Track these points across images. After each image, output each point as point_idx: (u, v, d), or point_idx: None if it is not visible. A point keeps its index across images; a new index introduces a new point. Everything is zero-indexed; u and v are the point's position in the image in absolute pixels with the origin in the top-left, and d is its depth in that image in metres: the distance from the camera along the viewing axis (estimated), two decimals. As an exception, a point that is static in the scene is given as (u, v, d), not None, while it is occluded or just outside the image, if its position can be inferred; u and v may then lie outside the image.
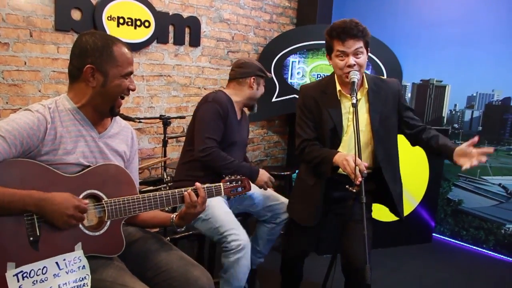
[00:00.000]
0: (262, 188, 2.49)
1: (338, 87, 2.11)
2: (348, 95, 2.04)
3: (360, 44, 1.98)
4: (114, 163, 1.65)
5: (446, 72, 4.08)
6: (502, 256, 3.85)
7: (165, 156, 3.35)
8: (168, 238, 2.54)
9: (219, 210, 2.26)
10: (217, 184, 1.83)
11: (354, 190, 1.77)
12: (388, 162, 2.16)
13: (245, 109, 2.71)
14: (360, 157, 1.75)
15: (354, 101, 1.83)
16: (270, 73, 3.57)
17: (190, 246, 3.02)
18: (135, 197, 1.62)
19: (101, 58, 1.53)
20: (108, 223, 1.57)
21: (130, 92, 1.64)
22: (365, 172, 1.73)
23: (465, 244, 4.07)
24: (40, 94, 3.15)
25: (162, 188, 2.81)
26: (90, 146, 1.61)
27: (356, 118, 1.78)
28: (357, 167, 1.74)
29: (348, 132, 2.11)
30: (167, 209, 1.88)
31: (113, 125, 1.72)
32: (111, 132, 1.70)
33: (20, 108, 3.00)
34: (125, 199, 1.60)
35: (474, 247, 4.01)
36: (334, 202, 2.23)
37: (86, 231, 1.52)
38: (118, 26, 3.39)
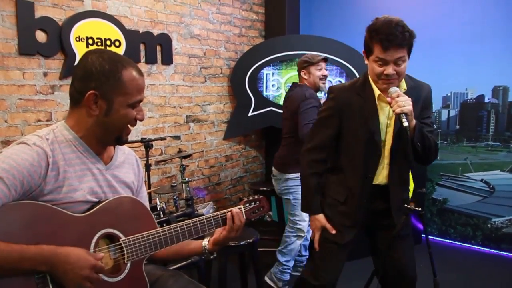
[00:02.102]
0: None
1: (377, 91, 1.91)
2: (388, 99, 1.87)
3: (403, 52, 1.77)
4: (128, 196, 1.46)
5: (419, 74, 4.10)
6: (490, 250, 3.91)
7: (149, 181, 3.14)
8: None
9: None
10: (237, 207, 1.67)
11: (411, 207, 1.72)
12: (401, 179, 2.03)
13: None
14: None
15: (406, 124, 1.70)
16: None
17: (189, 274, 2.82)
18: (154, 232, 1.44)
19: (107, 84, 1.33)
20: (129, 265, 1.38)
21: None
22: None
23: (453, 242, 4.11)
24: (6, 125, 2.85)
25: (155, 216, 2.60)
26: (99, 180, 1.41)
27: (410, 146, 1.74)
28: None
29: (387, 140, 1.96)
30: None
31: (117, 153, 1.53)
32: (117, 161, 1.51)
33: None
34: (145, 235, 1.42)
35: (463, 244, 4.06)
36: (374, 215, 2.07)
37: (106, 278, 1.32)
38: (87, 46, 3.16)
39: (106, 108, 1.35)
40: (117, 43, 3.36)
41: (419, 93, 1.95)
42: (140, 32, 3.56)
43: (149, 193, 3.13)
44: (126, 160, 1.57)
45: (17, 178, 1.21)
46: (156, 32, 3.68)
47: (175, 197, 3.08)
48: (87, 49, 3.11)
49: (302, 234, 3.00)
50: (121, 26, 3.37)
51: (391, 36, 1.73)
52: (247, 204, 1.71)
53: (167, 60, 3.80)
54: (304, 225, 3.02)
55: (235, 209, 1.60)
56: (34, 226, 1.22)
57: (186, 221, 1.52)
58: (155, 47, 3.69)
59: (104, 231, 1.35)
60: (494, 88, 3.82)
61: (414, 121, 1.77)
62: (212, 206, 2.83)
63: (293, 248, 3.01)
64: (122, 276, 1.36)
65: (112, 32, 3.32)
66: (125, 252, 1.37)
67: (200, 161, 4.29)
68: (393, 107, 1.75)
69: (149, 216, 1.49)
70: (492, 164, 3.89)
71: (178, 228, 1.48)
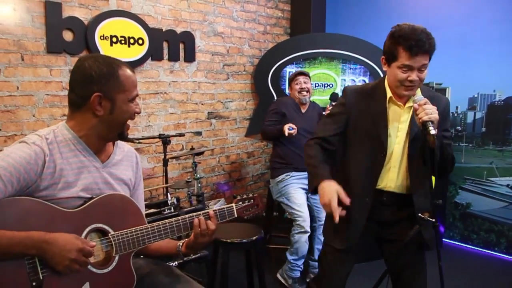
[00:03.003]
0: (290, 134, 3.15)
1: (389, 94, 1.92)
2: (399, 103, 1.89)
3: (427, 59, 1.78)
4: (119, 193, 1.55)
5: (446, 75, 4.02)
6: (514, 258, 3.77)
7: (166, 176, 3.25)
8: (176, 263, 2.44)
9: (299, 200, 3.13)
10: (229, 205, 1.73)
11: (425, 217, 1.71)
12: (422, 186, 1.97)
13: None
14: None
15: (433, 132, 1.68)
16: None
17: (198, 268, 2.92)
18: (143, 228, 1.52)
19: (108, 85, 1.43)
20: (117, 258, 1.47)
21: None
22: (337, 220, 1.79)
23: (476, 248, 3.99)
24: (34, 119, 3.04)
25: (166, 210, 2.71)
26: (95, 177, 1.50)
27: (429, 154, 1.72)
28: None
29: (397, 145, 1.95)
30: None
31: (116, 152, 1.62)
32: (115, 159, 1.60)
33: (14, 135, 2.93)
34: (133, 230, 1.50)
35: (486, 251, 3.93)
36: (382, 225, 2.05)
37: (93, 269, 1.42)
38: (111, 45, 3.31)
39: (111, 106, 1.45)
40: (140, 41, 3.48)
41: (435, 104, 1.89)
42: (164, 30, 3.66)
43: (166, 188, 3.25)
44: (125, 157, 1.65)
45: (13, 175, 1.31)
46: (179, 30, 3.78)
47: (189, 192, 3.19)
48: (111, 47, 3.28)
49: (303, 230, 3.03)
50: (145, 25, 3.49)
51: (420, 42, 1.73)
52: (240, 202, 1.76)
53: (190, 57, 3.90)
54: (301, 220, 3.06)
55: (211, 211, 1.63)
56: (27, 221, 1.32)
57: (174, 218, 1.59)
58: (178, 44, 3.79)
59: (93, 226, 1.44)
60: (524, 90, 3.67)
61: (436, 131, 1.74)
62: (223, 202, 2.90)
63: (299, 246, 3.04)
64: (110, 268, 1.45)
65: (135, 30, 3.44)
66: (113, 245, 1.46)
67: (221, 157, 4.37)
68: (420, 114, 1.72)
69: (139, 213, 1.57)
70: (519, 170, 3.74)
71: (161, 226, 1.55)
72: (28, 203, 1.34)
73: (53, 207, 1.38)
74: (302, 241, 3.04)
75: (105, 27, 3.27)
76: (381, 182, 1.99)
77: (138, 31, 3.46)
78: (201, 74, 4.05)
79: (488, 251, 3.92)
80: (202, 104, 4.10)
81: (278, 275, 3.25)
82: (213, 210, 1.65)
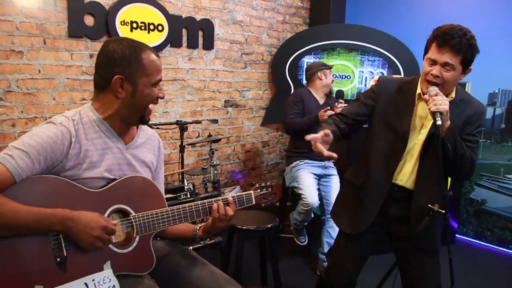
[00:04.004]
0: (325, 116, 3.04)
1: (419, 90, 1.94)
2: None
3: (455, 60, 1.76)
4: (141, 175, 1.57)
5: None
6: (529, 257, 3.74)
7: (182, 162, 3.29)
8: (191, 247, 2.47)
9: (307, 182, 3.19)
10: (247, 192, 1.75)
11: (434, 208, 1.72)
12: (428, 185, 1.96)
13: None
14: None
15: (439, 122, 1.69)
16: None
17: (212, 254, 2.95)
18: (163, 211, 1.55)
19: (130, 68, 1.45)
20: (137, 239, 1.50)
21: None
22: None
23: (489, 245, 3.96)
24: (54, 102, 3.09)
25: (182, 195, 2.74)
26: (118, 158, 1.53)
27: (440, 145, 1.71)
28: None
29: (417, 141, 1.96)
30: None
31: (139, 134, 1.64)
32: (138, 142, 1.63)
33: (35, 117, 2.98)
34: (153, 213, 1.53)
35: (500, 248, 3.90)
36: (389, 220, 2.06)
37: (115, 249, 1.45)
38: (131, 31, 3.33)
39: (132, 89, 1.47)
40: (160, 28, 3.49)
41: (466, 107, 1.92)
42: (183, 17, 3.67)
43: (182, 173, 3.28)
44: (148, 141, 1.68)
45: (41, 154, 1.35)
46: (198, 17, 3.78)
47: (205, 179, 3.22)
48: (131, 33, 3.30)
49: (308, 207, 3.11)
50: (165, 11, 3.50)
51: (447, 36, 1.74)
52: (258, 190, 1.78)
53: (209, 45, 3.90)
54: (306, 198, 3.12)
55: (229, 197, 1.65)
56: (53, 198, 1.36)
57: (194, 202, 1.61)
58: (197, 32, 3.80)
59: (116, 206, 1.47)
60: (546, 86, 3.60)
61: (449, 123, 1.74)
62: (239, 190, 2.93)
63: (304, 217, 3.24)
64: (130, 248, 1.48)
65: (155, 16, 3.46)
66: (134, 226, 1.49)
67: (237, 146, 4.39)
68: (429, 105, 1.74)
69: (160, 196, 1.60)
70: (537, 167, 3.69)
71: (181, 210, 1.57)
72: (54, 181, 1.38)
73: (78, 186, 1.41)
74: (308, 216, 3.19)
75: (126, 13, 3.29)
76: (397, 177, 2.00)
77: (158, 17, 3.48)
78: (219, 62, 4.06)
79: (502, 249, 3.89)
80: (219, 92, 4.11)
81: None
82: (232, 197, 1.67)
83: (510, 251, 3.85)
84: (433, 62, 1.80)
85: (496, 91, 3.83)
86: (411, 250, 1.97)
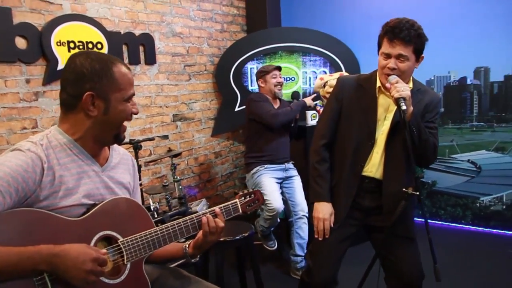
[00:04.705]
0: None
1: (378, 84, 2.00)
2: (388, 93, 1.93)
3: (407, 51, 1.85)
4: (123, 196, 1.46)
5: (402, 60, 4.17)
6: (480, 228, 3.99)
7: (139, 180, 3.12)
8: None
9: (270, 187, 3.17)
10: (233, 201, 1.68)
11: (409, 191, 1.77)
12: (396, 173, 2.02)
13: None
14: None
15: (404, 107, 1.75)
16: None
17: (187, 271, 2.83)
18: (152, 231, 1.44)
19: (101, 83, 1.33)
20: (128, 265, 1.38)
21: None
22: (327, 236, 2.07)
23: (444, 223, 4.18)
24: (-9, 135, 2.81)
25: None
26: (95, 182, 1.41)
27: (408, 131, 1.77)
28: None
29: (382, 132, 2.02)
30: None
31: (112, 155, 1.53)
32: (113, 163, 1.51)
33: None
34: (143, 235, 1.42)
35: (454, 224, 4.13)
36: (365, 212, 2.10)
37: (106, 280, 1.32)
38: (69, 51, 3.13)
39: (105, 106, 1.36)
40: (99, 46, 3.32)
41: (423, 96, 2.02)
42: (122, 33, 3.52)
43: (141, 194, 3.12)
44: (122, 160, 1.57)
45: (12, 185, 1.20)
46: (138, 32, 3.65)
47: (167, 196, 3.08)
48: (69, 53, 3.09)
49: (274, 212, 3.13)
50: (102, 28, 3.33)
51: (396, 29, 1.83)
52: (243, 198, 1.73)
53: (151, 60, 3.78)
54: (271, 203, 3.13)
55: (217, 209, 1.59)
56: (30, 233, 1.21)
57: (182, 218, 1.52)
58: (138, 47, 3.66)
59: (101, 233, 1.35)
60: (476, 69, 3.89)
61: (412, 108, 1.82)
62: (206, 203, 2.84)
63: (270, 223, 3.27)
64: (122, 277, 1.36)
65: (93, 34, 3.28)
66: (124, 253, 1.37)
67: (190, 159, 4.28)
68: (392, 92, 1.81)
69: (146, 216, 1.49)
70: (477, 144, 3.96)
71: (176, 226, 1.48)
72: (30, 214, 1.23)
73: (57, 217, 1.28)
74: (274, 220, 3.20)
75: (61, 32, 3.08)
76: (366, 170, 2.06)
77: (96, 35, 3.30)
78: (163, 76, 3.94)
79: (456, 225, 4.12)
80: (166, 107, 3.99)
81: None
82: (219, 208, 1.60)
83: (463, 226, 4.09)
84: (388, 56, 1.89)
85: (432, 78, 4.07)
86: (390, 239, 2.00)
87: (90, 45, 3.26)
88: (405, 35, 1.83)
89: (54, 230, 1.26)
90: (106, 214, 1.38)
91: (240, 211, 1.69)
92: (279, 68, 3.48)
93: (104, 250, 1.31)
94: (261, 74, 3.49)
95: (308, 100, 3.39)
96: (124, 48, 3.56)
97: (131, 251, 1.39)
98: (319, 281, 2.13)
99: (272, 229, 3.38)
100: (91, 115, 1.35)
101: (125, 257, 1.37)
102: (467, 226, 4.06)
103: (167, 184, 3.09)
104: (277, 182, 3.33)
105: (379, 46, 1.95)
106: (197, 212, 2.65)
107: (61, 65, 3.07)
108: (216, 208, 1.59)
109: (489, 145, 3.91)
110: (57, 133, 1.38)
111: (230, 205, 1.66)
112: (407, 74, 1.93)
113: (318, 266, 2.14)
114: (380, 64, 1.93)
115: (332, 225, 2.08)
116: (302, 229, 3.27)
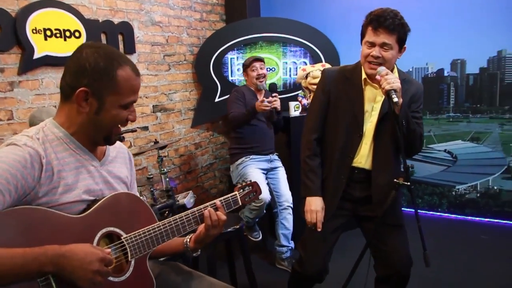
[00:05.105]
0: (265, 108, 3.12)
1: (364, 75, 2.01)
2: (374, 84, 1.95)
3: (391, 40, 1.86)
4: (124, 191, 1.41)
5: (381, 52, 4.23)
6: (456, 216, 4.12)
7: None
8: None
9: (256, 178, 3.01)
10: (232, 193, 1.66)
11: (399, 181, 1.78)
12: (384, 163, 2.05)
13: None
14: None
15: (396, 99, 1.76)
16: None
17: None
18: (155, 226, 1.40)
19: (100, 82, 1.26)
20: (133, 262, 1.34)
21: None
22: (319, 229, 2.08)
23: (421, 211, 4.29)
24: (-35, 128, 2.67)
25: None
26: (95, 177, 1.35)
27: (398, 123, 1.79)
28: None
29: (370, 123, 2.03)
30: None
31: (109, 149, 1.47)
32: (111, 156, 1.46)
33: None
34: (146, 230, 1.38)
35: (431, 212, 4.25)
36: (356, 202, 2.12)
37: (111, 278, 1.28)
38: (45, 39, 2.99)
39: (97, 106, 1.29)
40: (77, 34, 3.19)
41: (409, 86, 2.03)
42: (100, 21, 3.40)
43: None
44: (119, 154, 1.52)
45: (11, 183, 1.13)
46: (116, 20, 3.53)
47: (152, 189, 3.03)
48: (46, 42, 2.97)
49: (261, 203, 3.12)
50: (80, 16, 3.20)
51: (381, 18, 1.85)
52: (241, 190, 1.71)
53: (130, 49, 3.66)
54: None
55: (218, 201, 1.56)
56: (31, 232, 1.15)
57: (184, 212, 1.49)
58: (117, 36, 3.54)
59: (104, 230, 1.30)
60: (453, 61, 3.98)
61: (401, 100, 1.83)
62: (192, 195, 2.79)
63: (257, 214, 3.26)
64: (127, 274, 1.32)
65: (71, 22, 3.15)
66: (128, 249, 1.33)
67: (170, 151, 4.21)
68: (383, 84, 1.81)
69: (147, 210, 1.45)
70: (454, 135, 4.08)
71: (178, 220, 1.45)
72: (30, 212, 1.17)
73: (58, 214, 1.22)
74: (260, 211, 3.19)
75: (37, 19, 2.94)
76: (356, 161, 2.08)
77: (73, 23, 3.17)
78: (143, 66, 3.83)
79: (432, 213, 4.24)
80: (146, 98, 3.89)
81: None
82: (219, 200, 1.58)
83: (439, 214, 4.21)
84: (372, 45, 1.90)
85: (411, 69, 4.15)
86: (381, 228, 2.04)
87: (67, 33, 3.13)
88: (390, 23, 1.85)
89: (56, 229, 1.20)
90: (108, 210, 1.33)
91: (240, 203, 1.68)
92: (259, 59, 3.45)
93: (109, 249, 1.26)
94: (243, 68, 3.53)
95: (257, 104, 3.19)
96: (103, 36, 3.43)
97: (135, 248, 1.35)
98: (311, 271, 2.15)
99: (257, 220, 3.38)
100: (82, 111, 1.29)
101: (129, 254, 1.33)
102: (444, 214, 4.19)
103: (151, 176, 3.03)
104: (263, 173, 3.32)
105: (363, 35, 1.96)
106: (184, 204, 2.63)
107: (37, 54, 2.94)
108: (217, 201, 1.57)
109: (464, 135, 4.04)
110: (52, 126, 1.31)
111: (230, 198, 1.63)
112: (391, 64, 1.95)
113: (310, 256, 2.16)
114: (364, 53, 1.95)
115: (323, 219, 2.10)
116: (287, 220, 3.28)
